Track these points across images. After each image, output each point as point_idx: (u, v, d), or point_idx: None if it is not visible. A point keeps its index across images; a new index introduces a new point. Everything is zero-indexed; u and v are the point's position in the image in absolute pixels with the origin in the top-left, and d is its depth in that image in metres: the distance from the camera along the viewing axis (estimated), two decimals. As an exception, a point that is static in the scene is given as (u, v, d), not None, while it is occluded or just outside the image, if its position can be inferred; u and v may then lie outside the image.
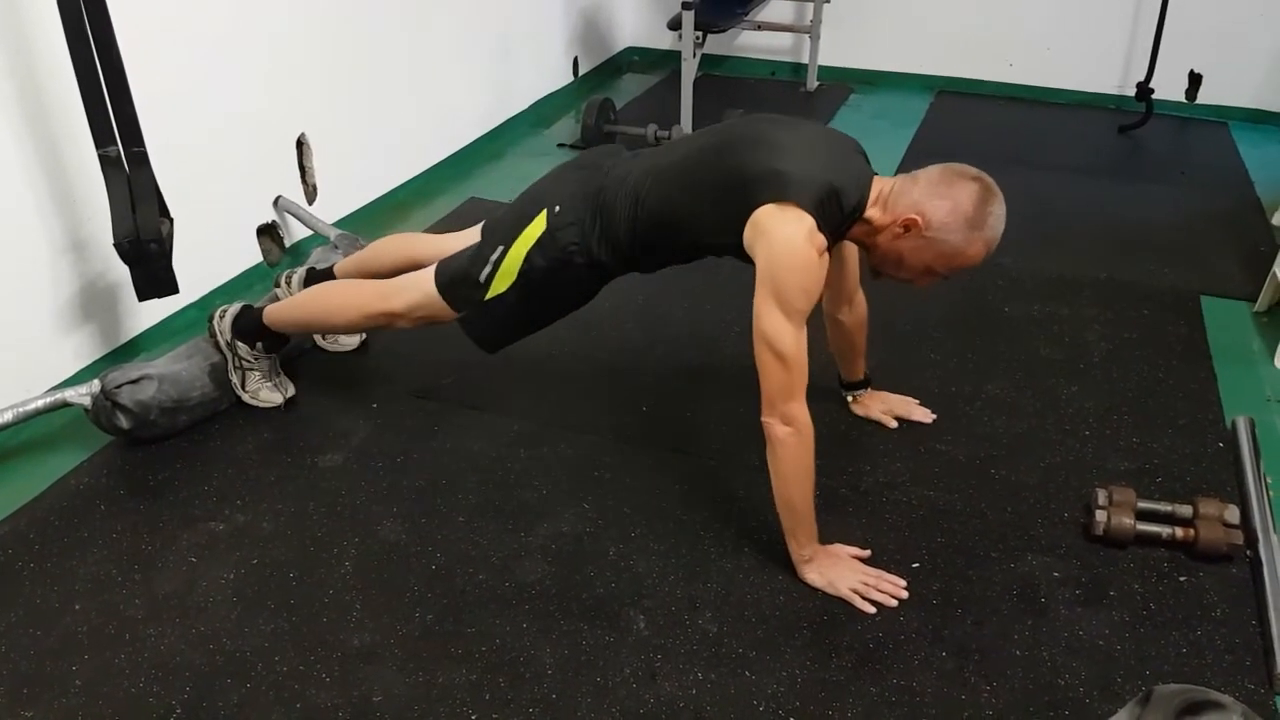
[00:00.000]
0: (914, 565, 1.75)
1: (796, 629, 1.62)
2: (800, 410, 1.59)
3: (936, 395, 2.20)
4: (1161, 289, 2.69)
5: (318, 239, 2.76)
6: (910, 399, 2.17)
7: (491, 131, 3.72)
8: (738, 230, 1.61)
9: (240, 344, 2.09)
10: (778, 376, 1.57)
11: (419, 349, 2.34)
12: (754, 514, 1.84)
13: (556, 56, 4.20)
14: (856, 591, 1.66)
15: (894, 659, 1.56)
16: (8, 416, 1.96)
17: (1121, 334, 2.47)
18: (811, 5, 4.32)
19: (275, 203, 2.73)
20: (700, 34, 3.63)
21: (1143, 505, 1.78)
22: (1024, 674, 1.54)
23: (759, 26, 4.43)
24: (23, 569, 1.73)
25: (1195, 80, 4.11)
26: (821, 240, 1.57)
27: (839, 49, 4.46)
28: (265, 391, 2.14)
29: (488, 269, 1.82)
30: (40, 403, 2.00)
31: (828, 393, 2.13)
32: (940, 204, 1.60)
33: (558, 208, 1.79)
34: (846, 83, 4.52)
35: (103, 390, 1.95)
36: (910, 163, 1.70)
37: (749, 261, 1.62)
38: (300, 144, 2.77)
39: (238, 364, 2.11)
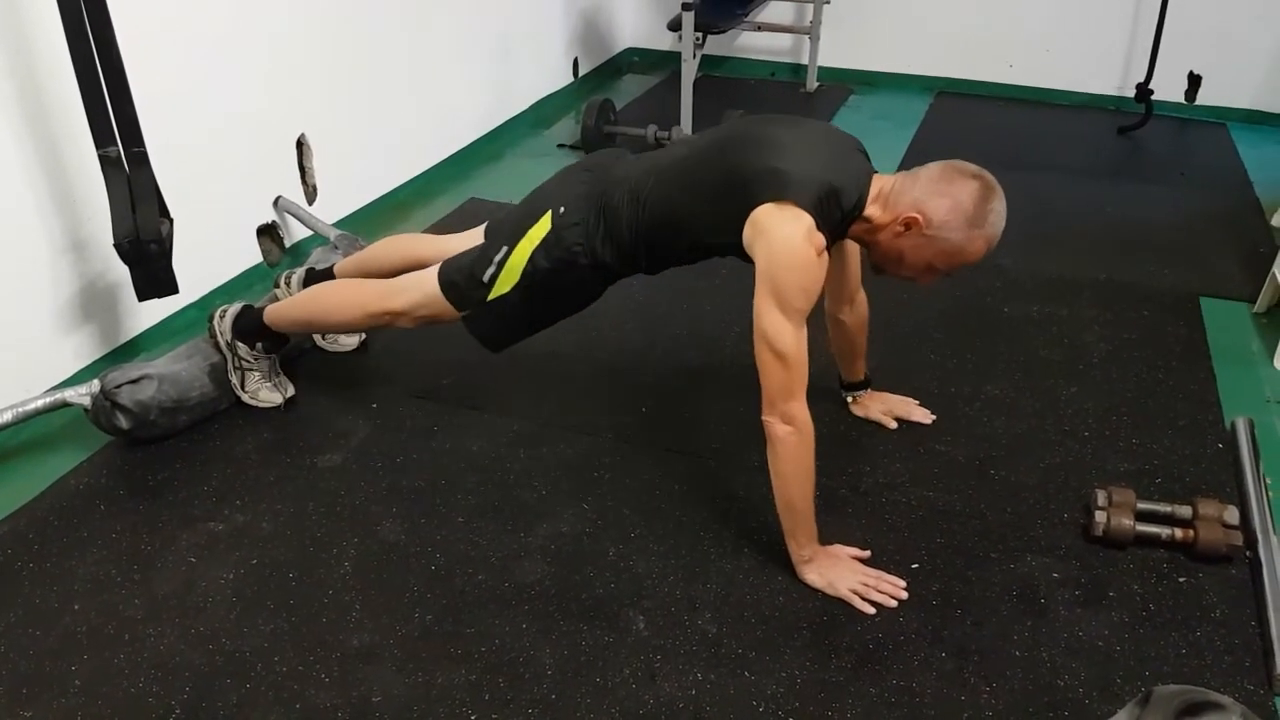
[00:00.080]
0: (913, 566, 1.75)
1: (796, 630, 1.62)
2: (800, 409, 1.59)
3: (936, 396, 2.20)
4: (1161, 290, 2.69)
5: (318, 239, 2.76)
6: (910, 400, 2.17)
7: (491, 132, 3.72)
8: (737, 229, 1.61)
9: (240, 344, 2.09)
10: (778, 376, 1.57)
11: (419, 349, 2.34)
12: (754, 514, 1.84)
13: (556, 57, 4.20)
14: (856, 592, 1.66)
15: (893, 660, 1.56)
16: (7, 416, 1.96)
17: (1121, 335, 2.47)
18: (811, 6, 4.32)
19: (275, 203, 2.73)
20: (700, 35, 3.63)
21: (1142, 506, 1.78)
22: (1023, 675, 1.54)
23: (759, 27, 4.43)
24: (22, 569, 1.72)
25: (1195, 81, 4.11)
26: (820, 239, 1.57)
27: (839, 50, 4.46)
28: (265, 392, 2.14)
29: (492, 269, 1.82)
30: (40, 403, 2.00)
31: (827, 393, 2.13)
32: (941, 202, 1.60)
33: (562, 209, 1.79)
34: (846, 84, 4.52)
35: (102, 390, 1.95)
36: (910, 164, 1.70)
37: (750, 261, 1.62)
38: (300, 144, 2.77)
39: (237, 364, 2.11)
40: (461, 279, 1.86)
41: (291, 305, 2.10)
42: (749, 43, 4.71)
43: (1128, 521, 1.75)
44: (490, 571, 1.73)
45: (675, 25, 3.64)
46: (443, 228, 2.90)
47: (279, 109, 2.67)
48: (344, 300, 2.04)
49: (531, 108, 3.99)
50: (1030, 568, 1.74)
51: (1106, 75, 4.20)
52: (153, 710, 1.47)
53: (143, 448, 2.02)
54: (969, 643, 1.59)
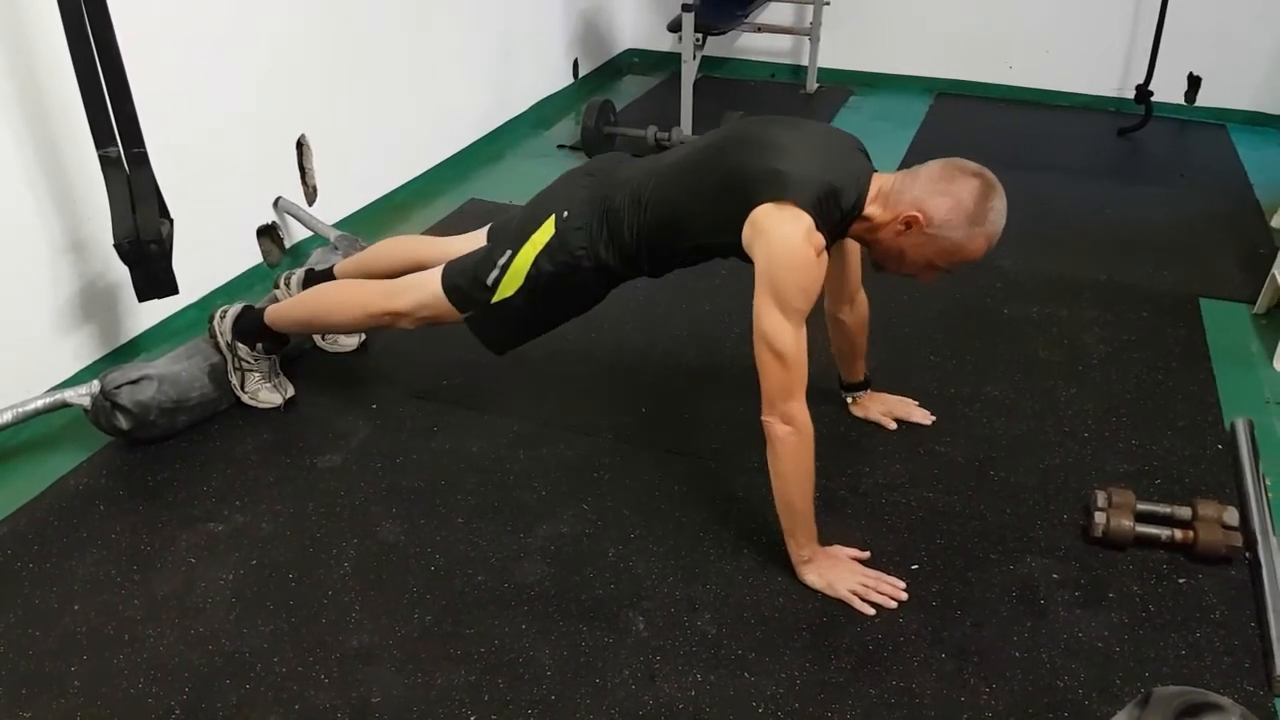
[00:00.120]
0: (913, 567, 1.75)
1: (796, 631, 1.61)
2: (800, 410, 1.59)
3: (935, 397, 2.20)
4: (1161, 291, 2.69)
5: (318, 240, 2.76)
6: (909, 400, 2.17)
7: (491, 133, 3.72)
8: (737, 230, 1.61)
9: (240, 345, 2.09)
10: (777, 376, 1.57)
11: (418, 350, 2.34)
12: (753, 515, 1.84)
13: (556, 58, 4.20)
14: (855, 593, 1.66)
15: (893, 661, 1.56)
16: (7, 417, 1.96)
17: (1121, 336, 2.47)
18: (811, 7, 4.32)
19: (275, 204, 2.73)
20: (700, 36, 3.63)
21: (1142, 507, 1.78)
22: (1023, 676, 1.54)
23: (759, 28, 4.43)
24: (22, 569, 1.72)
25: (1194, 83, 4.11)
26: (820, 239, 1.57)
27: (839, 51, 4.46)
28: (265, 392, 2.14)
29: (495, 272, 1.82)
30: (40, 403, 2.00)
31: (827, 394, 2.13)
32: (941, 200, 1.60)
33: (566, 213, 1.79)
34: (846, 85, 4.52)
35: (102, 391, 1.95)
36: (910, 165, 1.70)
37: (750, 262, 1.62)
38: (300, 145, 2.77)
39: (237, 365, 2.11)
40: (465, 282, 1.87)
41: (293, 305, 2.10)
42: (749, 44, 4.71)
43: (1127, 522, 1.75)
44: (490, 572, 1.73)
45: (675, 26, 3.64)
46: (443, 228, 2.90)
47: (279, 109, 2.67)
48: (346, 300, 2.04)
49: (532, 108, 3.99)
50: (1030, 569, 1.74)
51: (1106, 76, 4.20)
52: (152, 711, 1.47)
53: (142, 448, 2.02)
54: (969, 644, 1.59)
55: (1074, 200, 3.31)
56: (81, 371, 2.20)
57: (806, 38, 4.42)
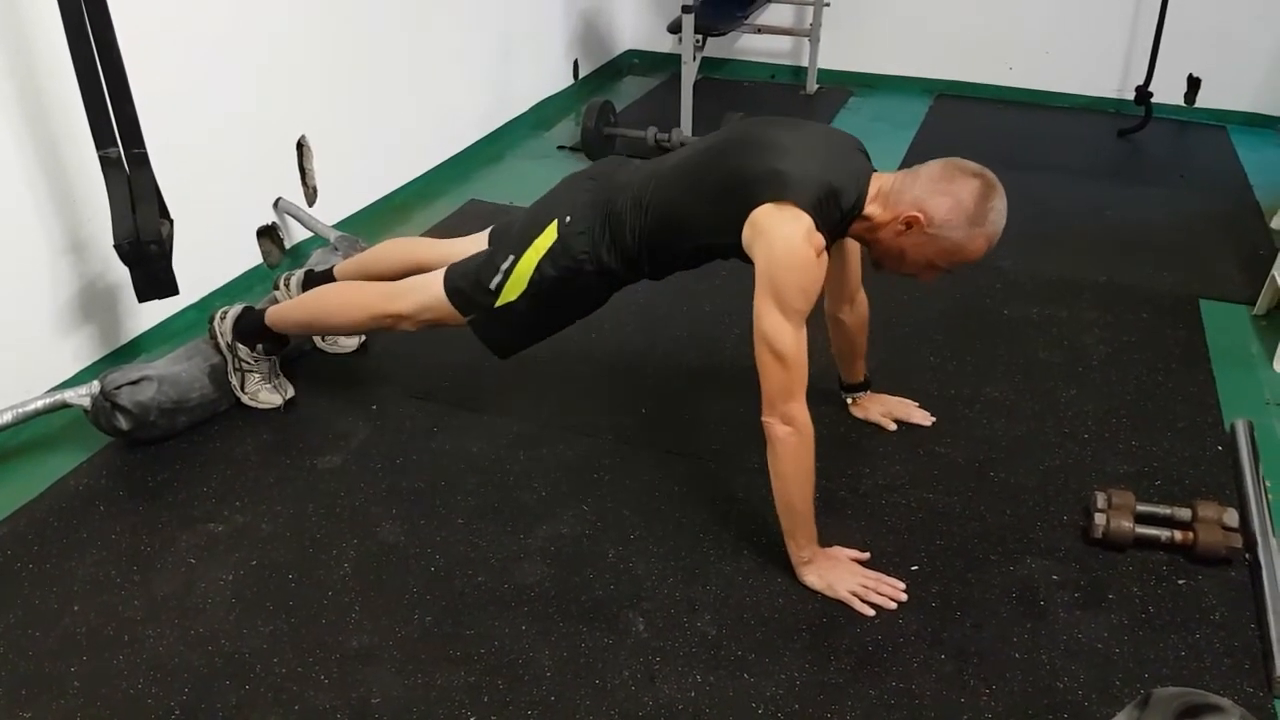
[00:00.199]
0: (913, 568, 1.75)
1: (795, 631, 1.61)
2: (800, 410, 1.59)
3: (935, 398, 2.20)
4: (1160, 292, 2.69)
5: (318, 241, 2.76)
6: (909, 401, 2.17)
7: (491, 133, 3.72)
8: (737, 230, 1.61)
9: (241, 346, 2.09)
10: (777, 376, 1.57)
11: (418, 351, 2.34)
12: (753, 516, 1.84)
13: (556, 59, 4.20)
14: (855, 594, 1.66)
15: (893, 662, 1.56)
16: (7, 417, 1.96)
17: (1121, 337, 2.47)
18: (811, 8, 4.32)
19: (275, 204, 2.73)
20: (700, 37, 3.63)
21: (1142, 508, 1.78)
22: (1023, 677, 1.54)
23: (759, 30, 4.43)
24: (21, 570, 1.72)
25: (1194, 84, 4.12)
26: (820, 240, 1.57)
27: (838, 52, 4.47)
28: (265, 393, 2.14)
29: (498, 277, 1.82)
30: (40, 403, 2.00)
31: (827, 395, 2.13)
32: (941, 201, 1.60)
33: (569, 217, 1.79)
34: (846, 86, 4.52)
35: (102, 391, 1.95)
36: (909, 166, 1.70)
37: (750, 263, 1.62)
38: (300, 146, 2.77)
39: (237, 365, 2.11)
40: (467, 285, 1.87)
41: (294, 307, 2.10)
42: (749, 45, 4.71)
43: (1127, 524, 1.75)
44: (490, 573, 1.73)
45: (675, 27, 3.64)
46: (443, 229, 2.90)
47: (279, 110, 2.67)
48: (347, 302, 2.04)
49: (532, 109, 3.99)
50: (1030, 570, 1.74)
51: (1106, 77, 4.20)
52: (152, 711, 1.46)
53: (142, 449, 2.01)
54: (968, 645, 1.59)
55: (1074, 201, 3.31)
56: (81, 372, 2.20)
57: (806, 39, 4.42)
